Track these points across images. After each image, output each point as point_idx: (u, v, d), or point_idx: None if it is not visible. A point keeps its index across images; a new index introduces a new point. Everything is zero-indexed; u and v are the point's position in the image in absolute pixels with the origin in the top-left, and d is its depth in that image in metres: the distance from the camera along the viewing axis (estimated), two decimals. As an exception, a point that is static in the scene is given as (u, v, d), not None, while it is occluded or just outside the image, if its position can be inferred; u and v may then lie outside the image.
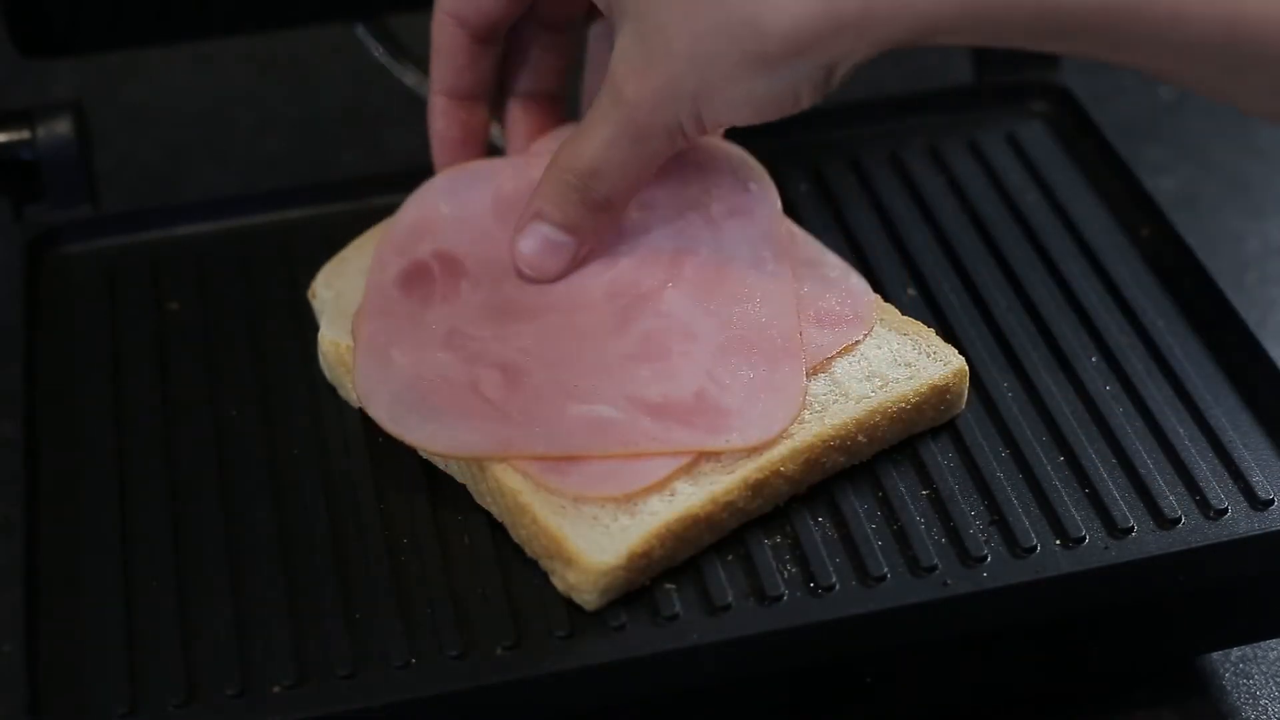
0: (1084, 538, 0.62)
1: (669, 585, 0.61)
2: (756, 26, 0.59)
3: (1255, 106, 0.58)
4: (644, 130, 0.63)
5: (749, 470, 0.62)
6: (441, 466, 0.65)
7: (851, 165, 0.80)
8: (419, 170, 0.78)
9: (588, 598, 0.60)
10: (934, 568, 0.61)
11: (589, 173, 0.65)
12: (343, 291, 0.70)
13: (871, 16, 0.58)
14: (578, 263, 0.68)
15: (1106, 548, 0.62)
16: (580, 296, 0.67)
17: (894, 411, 0.65)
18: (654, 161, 0.65)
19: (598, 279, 0.67)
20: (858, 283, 0.69)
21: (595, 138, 0.64)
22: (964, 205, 0.78)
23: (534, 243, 0.67)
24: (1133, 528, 0.63)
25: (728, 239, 0.69)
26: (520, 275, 0.68)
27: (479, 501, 0.64)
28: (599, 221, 0.67)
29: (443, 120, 0.72)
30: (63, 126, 0.78)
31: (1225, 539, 0.62)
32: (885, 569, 0.61)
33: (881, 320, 0.68)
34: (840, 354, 0.66)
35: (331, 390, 0.69)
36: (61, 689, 0.59)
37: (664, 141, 0.64)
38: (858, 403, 0.64)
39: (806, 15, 0.58)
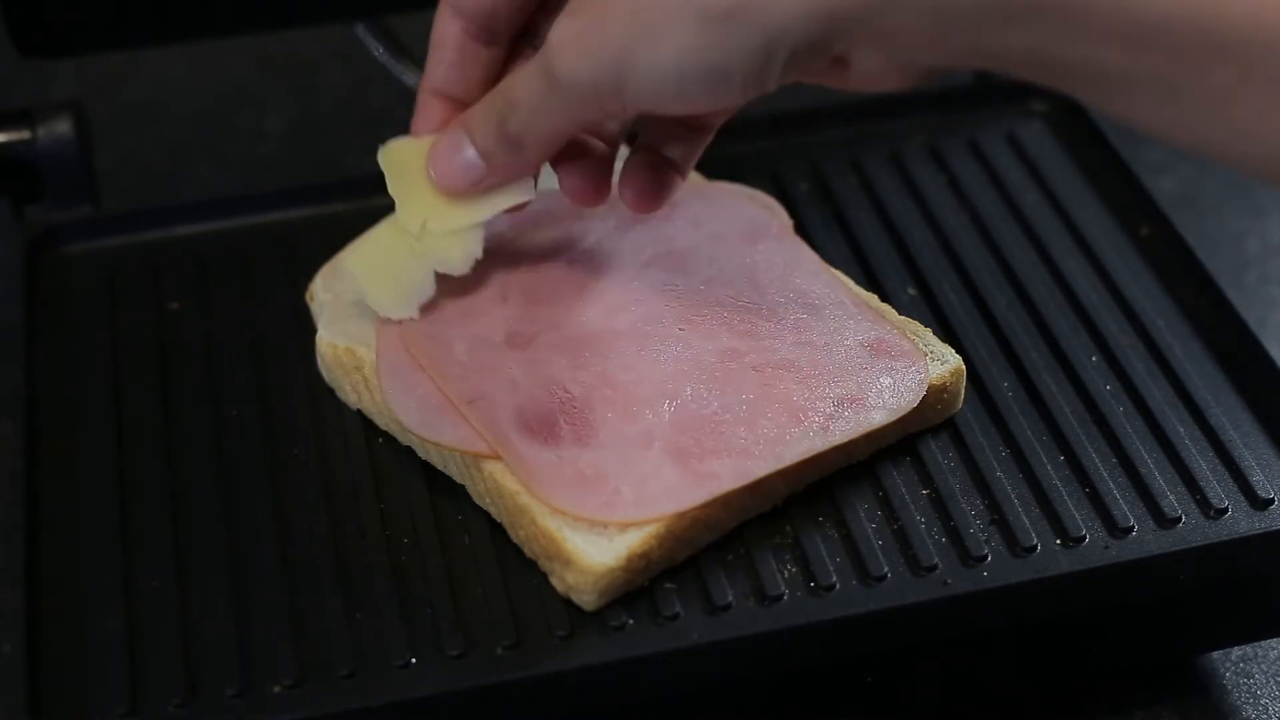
0: (1084, 537, 0.62)
1: (669, 585, 0.61)
2: None
3: (1200, 126, 0.53)
4: (560, 76, 0.59)
5: (749, 470, 0.62)
6: (440, 467, 0.65)
7: (851, 165, 0.80)
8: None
9: (587, 598, 0.60)
10: (934, 567, 0.61)
11: (509, 103, 0.62)
12: (341, 294, 0.70)
13: None
14: (481, 189, 0.65)
15: (1107, 547, 0.62)
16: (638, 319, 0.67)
17: (894, 411, 0.65)
18: (566, 115, 0.61)
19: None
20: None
21: (522, 72, 0.62)
22: (964, 205, 0.78)
23: (450, 150, 0.65)
24: (1133, 527, 0.63)
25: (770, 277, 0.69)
26: (428, 174, 0.66)
27: (478, 502, 0.64)
28: (509, 157, 0.64)
29: (423, 119, 0.67)
30: (63, 126, 0.78)
31: (1225, 538, 0.62)
32: (885, 568, 0.61)
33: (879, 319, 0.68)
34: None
35: (331, 391, 0.69)
36: (61, 689, 0.59)
37: (575, 95, 0.60)
38: (858, 402, 0.64)
39: None
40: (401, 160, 0.67)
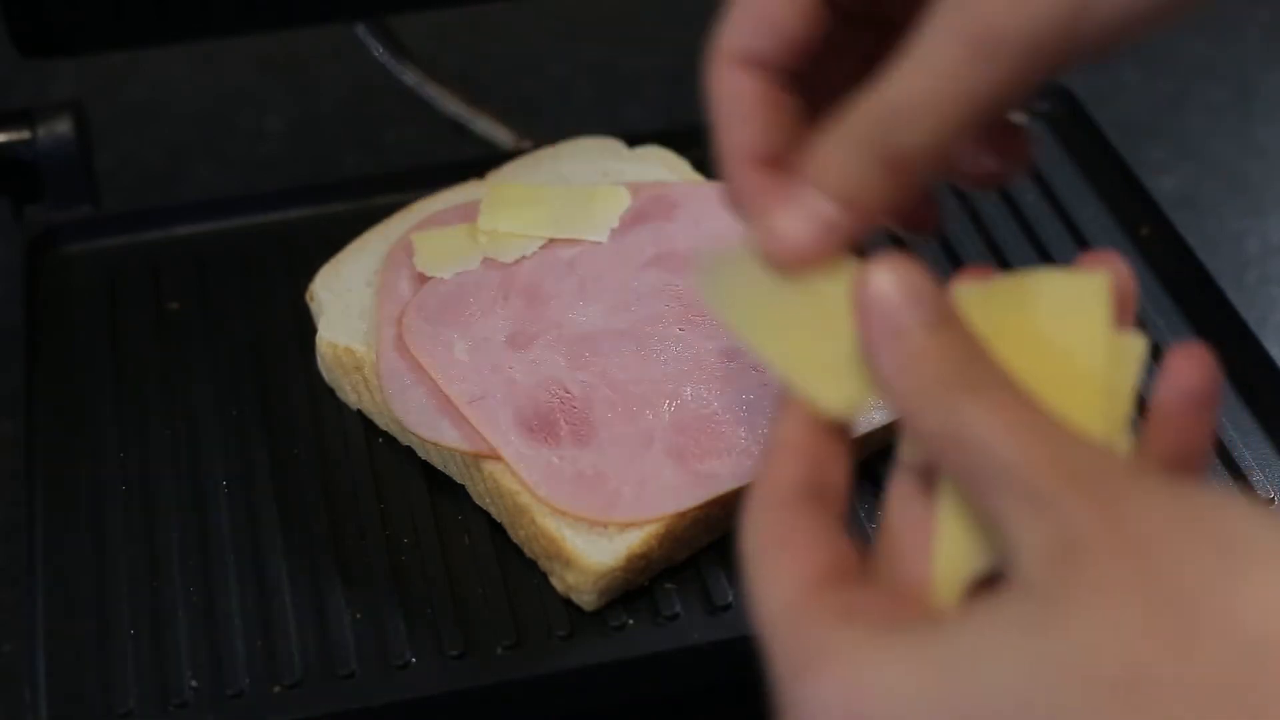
0: (1084, 537, 0.62)
1: (669, 585, 0.61)
2: None
3: None
4: (993, 39, 0.45)
5: (749, 470, 0.62)
6: (440, 467, 0.65)
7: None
8: (419, 170, 0.78)
9: (587, 598, 0.60)
10: (934, 567, 0.61)
11: (893, 111, 0.46)
12: (341, 293, 0.70)
13: None
14: (841, 249, 0.47)
15: (1106, 547, 0.62)
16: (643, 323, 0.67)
17: (894, 411, 0.65)
18: (993, 94, 0.46)
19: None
20: None
21: (910, 64, 0.46)
22: (964, 205, 0.78)
23: (795, 212, 0.48)
24: (1133, 527, 0.63)
25: None
26: (768, 258, 0.48)
27: (478, 502, 0.64)
28: (887, 189, 0.47)
29: (754, 194, 0.49)
30: (63, 126, 0.78)
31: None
32: (885, 569, 0.61)
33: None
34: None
35: (331, 391, 0.69)
36: (61, 689, 0.59)
37: (1017, 57, 0.45)
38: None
39: None
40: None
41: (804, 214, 0.48)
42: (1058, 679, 0.35)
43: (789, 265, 0.48)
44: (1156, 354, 0.70)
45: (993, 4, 0.45)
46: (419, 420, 0.64)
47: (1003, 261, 0.74)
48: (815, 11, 0.51)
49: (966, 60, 0.45)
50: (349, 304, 0.69)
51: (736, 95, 0.51)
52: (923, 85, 0.46)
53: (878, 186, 0.47)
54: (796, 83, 0.51)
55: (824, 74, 0.52)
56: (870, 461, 0.65)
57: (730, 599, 0.60)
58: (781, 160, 0.50)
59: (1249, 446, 0.66)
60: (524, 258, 0.69)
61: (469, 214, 0.71)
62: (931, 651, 0.37)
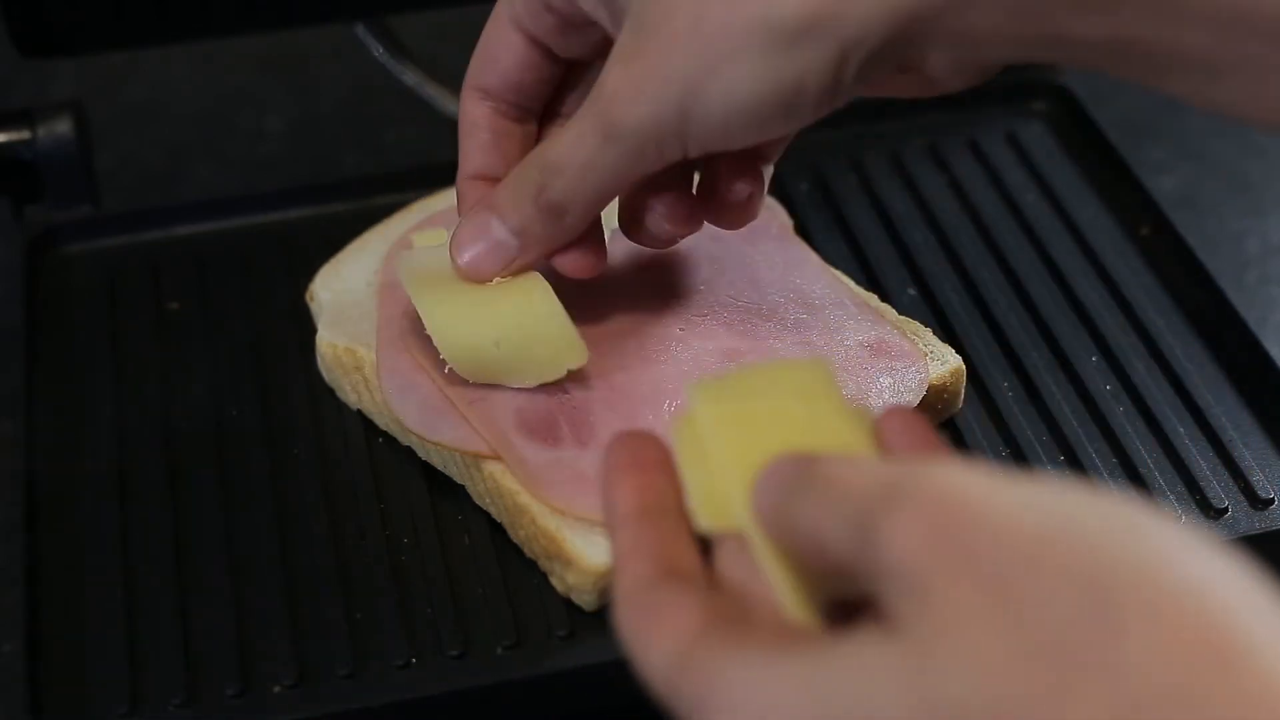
0: (1084, 537, 0.62)
1: (669, 585, 0.61)
2: None
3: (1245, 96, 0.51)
4: (616, 127, 0.56)
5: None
6: (440, 467, 0.65)
7: (852, 165, 0.80)
8: (419, 170, 0.78)
9: (587, 598, 0.60)
10: (934, 568, 0.61)
11: (550, 168, 0.58)
12: (341, 293, 0.70)
13: None
14: (511, 271, 0.62)
15: (1106, 547, 0.62)
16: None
17: (894, 411, 0.65)
18: (620, 169, 0.58)
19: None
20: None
21: (565, 134, 0.58)
22: (964, 205, 0.78)
23: (476, 232, 0.61)
24: (1133, 527, 0.63)
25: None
26: (454, 265, 0.62)
27: (478, 502, 0.64)
28: (547, 229, 0.60)
29: (467, 207, 0.63)
30: (63, 126, 0.78)
31: (1225, 538, 0.62)
32: (885, 569, 0.61)
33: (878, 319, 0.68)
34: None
35: (331, 391, 0.69)
36: (61, 689, 0.59)
37: (634, 144, 0.56)
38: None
39: None
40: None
41: (480, 231, 0.61)
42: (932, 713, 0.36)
43: (468, 275, 0.61)
44: (1157, 354, 0.70)
45: (618, 101, 0.55)
46: (419, 420, 0.64)
47: (1003, 261, 0.74)
48: (534, 60, 0.62)
49: (599, 142, 0.56)
50: (349, 304, 0.69)
51: (470, 120, 0.63)
52: (570, 152, 0.58)
53: (537, 224, 0.60)
54: (529, 113, 0.63)
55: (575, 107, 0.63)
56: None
57: (730, 599, 0.60)
58: (493, 178, 0.62)
59: (1249, 446, 0.66)
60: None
61: (469, 214, 0.71)
62: (818, 675, 0.38)
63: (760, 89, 0.54)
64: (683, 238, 0.63)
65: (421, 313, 0.63)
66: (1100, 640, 0.35)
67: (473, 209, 0.62)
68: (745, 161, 0.62)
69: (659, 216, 0.62)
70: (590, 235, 0.62)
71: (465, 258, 0.62)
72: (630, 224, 0.63)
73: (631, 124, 0.56)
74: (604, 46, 0.60)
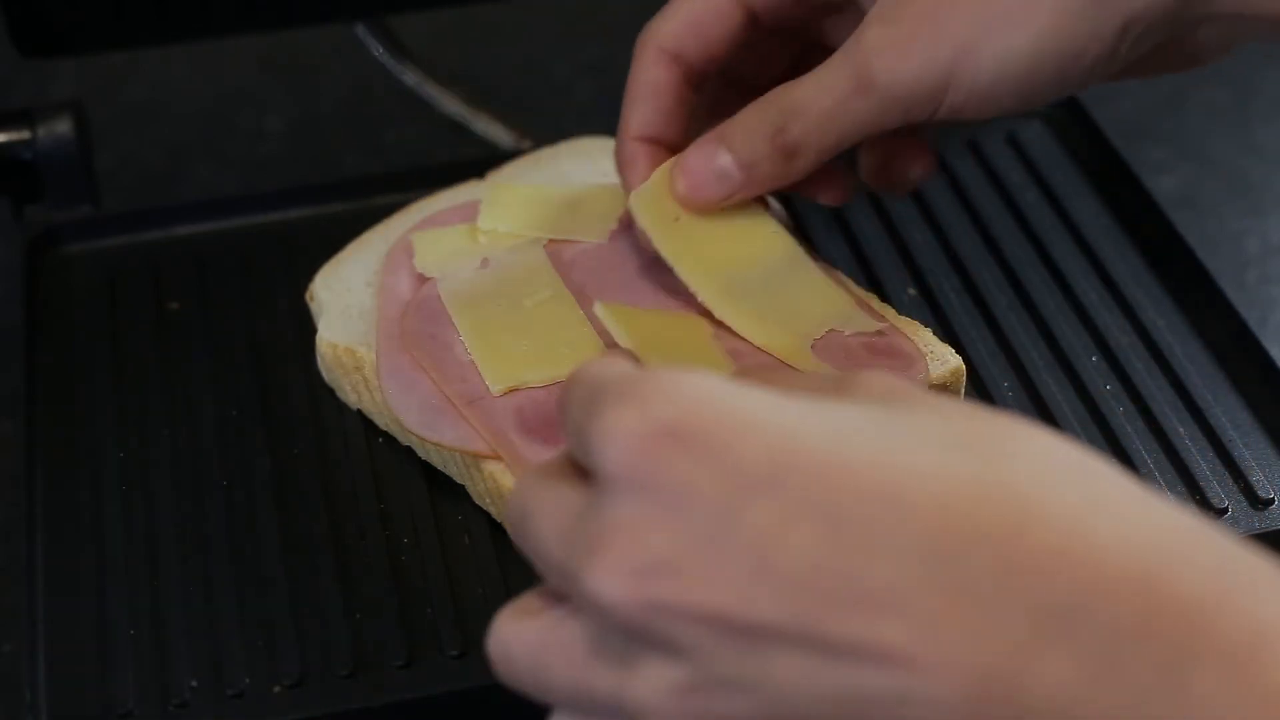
0: (1084, 537, 0.62)
1: (669, 585, 0.61)
2: None
3: None
4: (873, 82, 0.57)
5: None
6: (440, 467, 0.65)
7: (852, 165, 0.80)
8: (419, 170, 0.78)
9: (588, 598, 0.60)
10: (934, 568, 0.61)
11: (791, 111, 0.59)
12: (341, 293, 0.70)
13: None
14: (732, 201, 0.62)
15: (1106, 547, 0.62)
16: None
17: (894, 411, 0.64)
18: (866, 120, 0.58)
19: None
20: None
21: (814, 79, 0.59)
22: (964, 205, 0.78)
23: (703, 161, 0.61)
24: (1133, 527, 0.63)
25: None
26: (673, 190, 0.62)
27: (478, 502, 0.64)
28: (776, 168, 0.61)
29: (634, 168, 0.64)
30: (63, 126, 0.78)
31: (1225, 539, 0.62)
32: (885, 569, 0.61)
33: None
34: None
35: (331, 391, 0.69)
36: (61, 689, 0.59)
37: (888, 99, 0.57)
38: (858, 403, 0.64)
39: None
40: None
41: (707, 161, 0.61)
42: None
43: (686, 199, 0.62)
44: (1157, 354, 0.70)
45: (881, 56, 0.57)
46: (419, 420, 0.64)
47: (1003, 261, 0.74)
48: (740, 27, 0.62)
49: (849, 92, 0.58)
50: (349, 304, 0.69)
51: (650, 81, 0.63)
52: (815, 98, 0.58)
53: (768, 162, 0.60)
54: (705, 83, 0.64)
55: (752, 74, 0.65)
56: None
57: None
58: (663, 143, 0.63)
59: (1249, 446, 0.66)
60: (524, 260, 0.69)
61: (469, 214, 0.71)
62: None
63: (1040, 54, 0.54)
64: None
65: (464, 334, 0.65)
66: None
67: (702, 139, 0.62)
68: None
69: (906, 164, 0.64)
70: (833, 167, 0.63)
71: (688, 183, 0.62)
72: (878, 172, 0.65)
73: (890, 80, 0.57)
74: (820, 12, 0.63)
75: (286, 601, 0.61)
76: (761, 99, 0.61)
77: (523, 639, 0.42)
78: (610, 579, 0.38)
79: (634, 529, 0.38)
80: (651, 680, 0.39)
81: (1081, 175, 0.80)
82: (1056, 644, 0.35)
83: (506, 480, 0.61)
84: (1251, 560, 0.37)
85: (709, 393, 0.39)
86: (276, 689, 0.58)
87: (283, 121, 1.03)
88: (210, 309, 0.73)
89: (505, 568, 0.62)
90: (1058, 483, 0.38)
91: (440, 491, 0.65)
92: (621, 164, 0.65)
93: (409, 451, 0.66)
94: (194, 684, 0.58)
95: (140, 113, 1.03)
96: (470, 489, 0.64)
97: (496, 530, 0.63)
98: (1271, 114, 1.03)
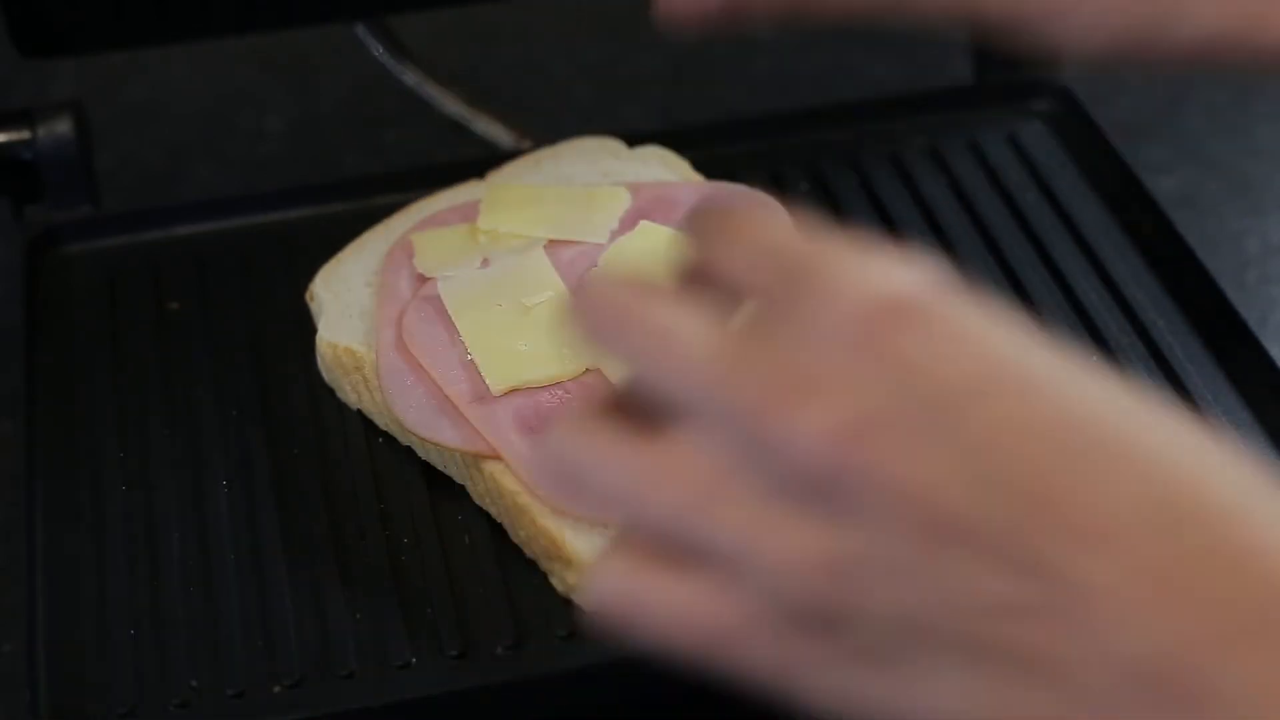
0: (1084, 537, 0.62)
1: (669, 585, 0.61)
2: None
3: None
4: None
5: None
6: (440, 467, 0.65)
7: (851, 165, 0.80)
8: (419, 170, 0.78)
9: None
10: (934, 568, 0.61)
11: None
12: (341, 293, 0.70)
13: None
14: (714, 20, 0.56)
15: (1106, 547, 0.62)
16: None
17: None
18: None
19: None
20: None
21: None
22: (964, 205, 0.78)
23: None
24: (1133, 527, 0.63)
25: None
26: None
27: (478, 502, 0.64)
28: None
29: None
30: (63, 126, 0.78)
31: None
32: (885, 569, 0.61)
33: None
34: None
35: (331, 391, 0.69)
36: (61, 689, 0.59)
37: None
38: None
39: None
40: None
41: None
42: None
43: (669, 15, 0.55)
44: (1156, 354, 0.70)
45: None
46: (419, 420, 0.64)
47: (1003, 261, 0.74)
48: None
49: None
50: (349, 304, 0.69)
51: None
52: None
53: None
54: None
55: None
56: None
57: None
58: None
59: (1249, 446, 0.65)
60: (524, 259, 0.69)
61: (469, 214, 0.71)
62: None
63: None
64: None
65: (464, 334, 0.65)
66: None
67: None
68: None
69: None
70: None
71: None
72: None
73: None
74: None
75: (286, 601, 0.61)
76: None
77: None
78: (819, 423, 0.35)
79: (854, 382, 0.36)
80: (808, 539, 0.36)
81: (1081, 175, 0.80)
82: (1254, 643, 0.34)
83: (507, 480, 0.61)
84: None
85: (943, 286, 0.38)
86: (276, 689, 0.58)
87: (283, 121, 1.03)
88: (210, 309, 0.73)
89: (505, 568, 0.62)
90: (1257, 488, 0.38)
91: (440, 491, 0.65)
92: None
93: (409, 451, 0.66)
94: (194, 684, 0.58)
95: (140, 113, 1.03)
96: (470, 489, 0.64)
97: (496, 530, 0.63)
98: (1271, 114, 1.03)
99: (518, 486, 0.61)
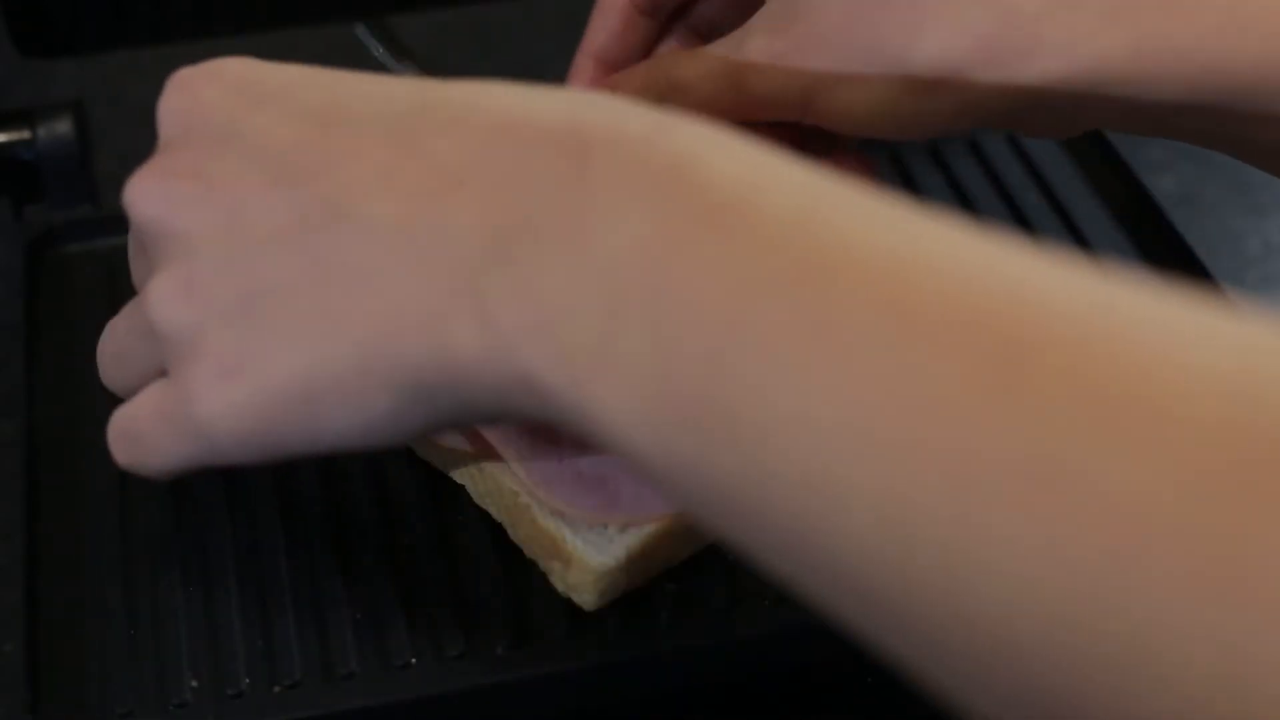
0: (1084, 537, 0.62)
1: (669, 585, 0.61)
2: (909, 40, 0.57)
3: None
4: (745, 86, 0.61)
5: (749, 470, 0.62)
6: (440, 467, 0.65)
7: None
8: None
9: (587, 598, 0.60)
10: (934, 567, 0.61)
11: (677, 87, 0.62)
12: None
13: (1030, 50, 0.55)
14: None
15: (1106, 547, 0.62)
16: None
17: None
18: (739, 114, 0.61)
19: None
20: None
21: (700, 63, 0.62)
22: (964, 205, 0.78)
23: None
24: (1133, 527, 0.63)
25: None
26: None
27: (478, 502, 0.64)
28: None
29: (578, 79, 0.68)
30: (63, 126, 0.78)
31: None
32: (885, 569, 0.61)
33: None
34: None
35: (331, 390, 0.69)
36: (61, 689, 0.59)
37: (756, 105, 0.61)
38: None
39: (957, 47, 0.56)
40: None
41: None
42: None
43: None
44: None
45: (753, 65, 0.60)
46: (419, 420, 0.64)
47: (1003, 261, 0.74)
48: None
49: (725, 85, 0.61)
50: (349, 304, 0.69)
51: (608, 5, 0.67)
52: (697, 84, 0.62)
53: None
54: (662, 11, 0.67)
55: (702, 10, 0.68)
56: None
57: (730, 601, 0.60)
58: (610, 63, 0.67)
59: (1249, 446, 0.65)
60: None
61: (469, 214, 0.71)
62: None
63: (879, 112, 0.58)
64: None
65: None
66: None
67: (600, 79, 0.67)
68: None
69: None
70: None
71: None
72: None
73: (759, 91, 0.60)
74: None
75: (286, 601, 0.61)
76: (655, 62, 0.65)
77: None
78: (136, 184, 0.55)
79: (167, 150, 0.56)
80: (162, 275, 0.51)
81: (1081, 175, 0.80)
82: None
83: (507, 480, 0.61)
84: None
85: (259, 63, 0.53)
86: (276, 689, 0.58)
87: (283, 121, 1.02)
88: (210, 309, 0.73)
89: (505, 568, 0.62)
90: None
91: (440, 491, 0.65)
92: (570, 75, 0.69)
93: (409, 451, 0.66)
94: (194, 684, 0.58)
95: (140, 113, 1.03)
96: (470, 489, 0.64)
97: (496, 530, 0.63)
98: (1271, 114, 1.03)
99: (518, 486, 0.61)
